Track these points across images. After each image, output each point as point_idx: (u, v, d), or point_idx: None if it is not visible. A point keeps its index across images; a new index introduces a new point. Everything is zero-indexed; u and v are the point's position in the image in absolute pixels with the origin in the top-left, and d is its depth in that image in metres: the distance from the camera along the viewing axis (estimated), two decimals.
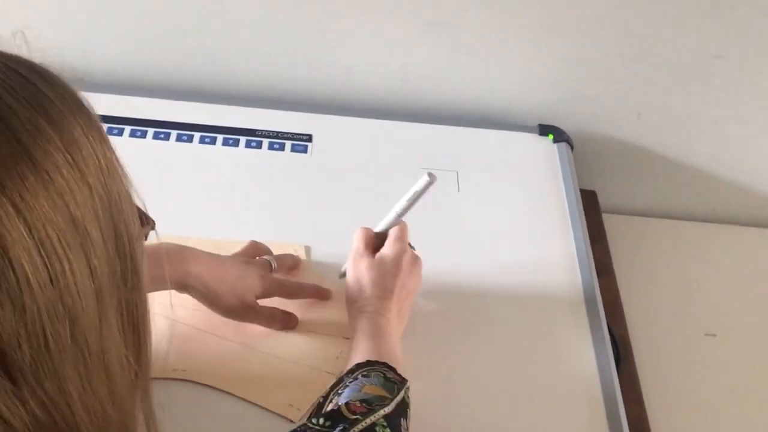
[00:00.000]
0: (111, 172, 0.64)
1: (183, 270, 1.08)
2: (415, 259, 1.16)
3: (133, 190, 0.67)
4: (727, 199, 1.68)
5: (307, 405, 1.06)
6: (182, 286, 1.09)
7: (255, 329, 1.15)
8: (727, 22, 1.48)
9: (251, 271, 1.13)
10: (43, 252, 0.58)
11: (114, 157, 0.65)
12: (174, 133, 1.47)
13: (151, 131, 1.46)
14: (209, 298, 1.11)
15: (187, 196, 1.35)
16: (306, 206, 1.38)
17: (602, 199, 1.62)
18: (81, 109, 0.64)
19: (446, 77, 1.58)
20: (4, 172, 0.57)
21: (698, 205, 1.68)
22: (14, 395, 0.59)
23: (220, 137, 1.47)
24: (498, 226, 1.38)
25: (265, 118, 1.52)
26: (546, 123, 1.59)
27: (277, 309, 1.15)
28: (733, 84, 1.55)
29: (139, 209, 0.68)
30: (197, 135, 1.47)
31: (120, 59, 1.57)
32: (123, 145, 0.67)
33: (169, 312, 1.13)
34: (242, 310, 1.13)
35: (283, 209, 1.36)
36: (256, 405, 1.07)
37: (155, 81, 1.58)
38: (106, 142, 0.65)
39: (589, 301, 1.27)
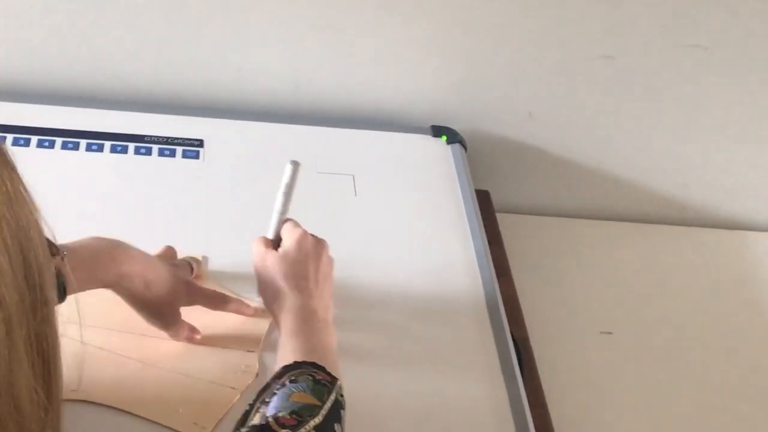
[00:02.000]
0: (18, 198, 0.61)
1: (115, 272, 1.03)
2: (318, 241, 1.13)
3: (42, 219, 0.64)
4: (617, 197, 1.70)
5: (212, 422, 1.03)
6: (111, 285, 1.05)
7: (155, 345, 1.11)
8: (615, 22, 1.50)
9: (178, 278, 1.09)
10: None
11: (21, 184, 0.62)
12: (59, 140, 1.41)
13: (34, 139, 1.40)
14: (138, 301, 1.07)
15: (75, 207, 1.29)
16: (200, 214, 1.34)
17: (495, 199, 1.62)
18: None
19: (338, 79, 1.56)
20: None
21: (590, 203, 1.71)
22: None
23: (107, 144, 1.42)
24: (396, 230, 1.37)
25: (154, 124, 1.48)
26: (439, 124, 1.59)
27: (185, 321, 1.12)
28: (622, 83, 1.57)
29: (47, 239, 0.65)
30: (83, 142, 1.42)
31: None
32: None
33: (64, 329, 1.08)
34: (167, 318, 1.10)
35: (177, 218, 1.33)
36: (160, 424, 1.03)
37: (37, 86, 1.53)
38: (13, 169, 0.62)
39: (491, 307, 1.26)
